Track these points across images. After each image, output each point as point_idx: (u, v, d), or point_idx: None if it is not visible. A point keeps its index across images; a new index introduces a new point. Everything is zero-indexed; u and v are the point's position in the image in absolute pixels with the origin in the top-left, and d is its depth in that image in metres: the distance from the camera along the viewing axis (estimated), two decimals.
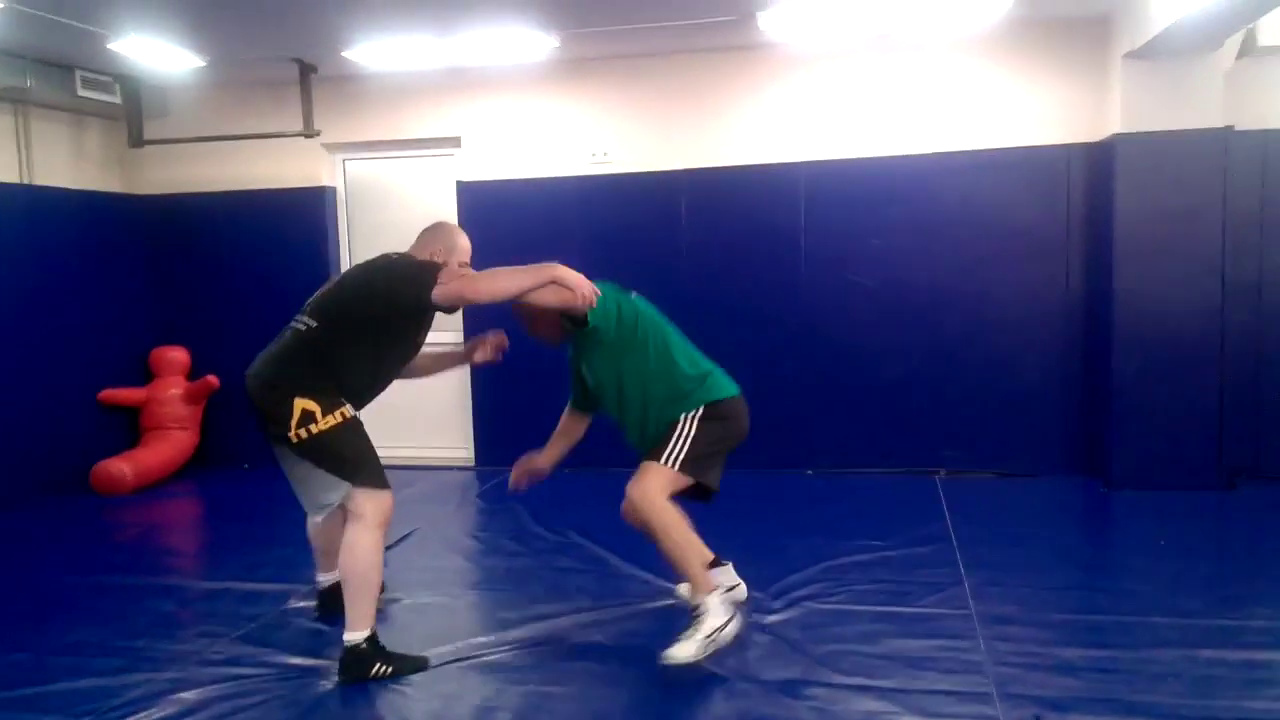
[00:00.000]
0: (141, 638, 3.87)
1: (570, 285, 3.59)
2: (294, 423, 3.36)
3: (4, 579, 4.76)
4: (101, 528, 5.85)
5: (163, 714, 3.19)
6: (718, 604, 3.43)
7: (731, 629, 3.42)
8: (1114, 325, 5.61)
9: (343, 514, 3.57)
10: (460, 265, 3.82)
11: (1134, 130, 5.50)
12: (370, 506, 3.49)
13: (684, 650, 3.31)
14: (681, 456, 3.58)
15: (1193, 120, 5.44)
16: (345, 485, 3.47)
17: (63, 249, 6.53)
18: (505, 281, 3.51)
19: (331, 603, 3.86)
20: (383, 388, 3.83)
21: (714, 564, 3.86)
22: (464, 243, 3.99)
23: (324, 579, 4.00)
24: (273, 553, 4.96)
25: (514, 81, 6.54)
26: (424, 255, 3.81)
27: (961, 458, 6.18)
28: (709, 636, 3.35)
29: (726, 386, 3.77)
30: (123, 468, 6.36)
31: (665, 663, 3.29)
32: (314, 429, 3.38)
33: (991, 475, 6.10)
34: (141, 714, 3.20)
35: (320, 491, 3.54)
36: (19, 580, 4.73)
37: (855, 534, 4.93)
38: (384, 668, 3.43)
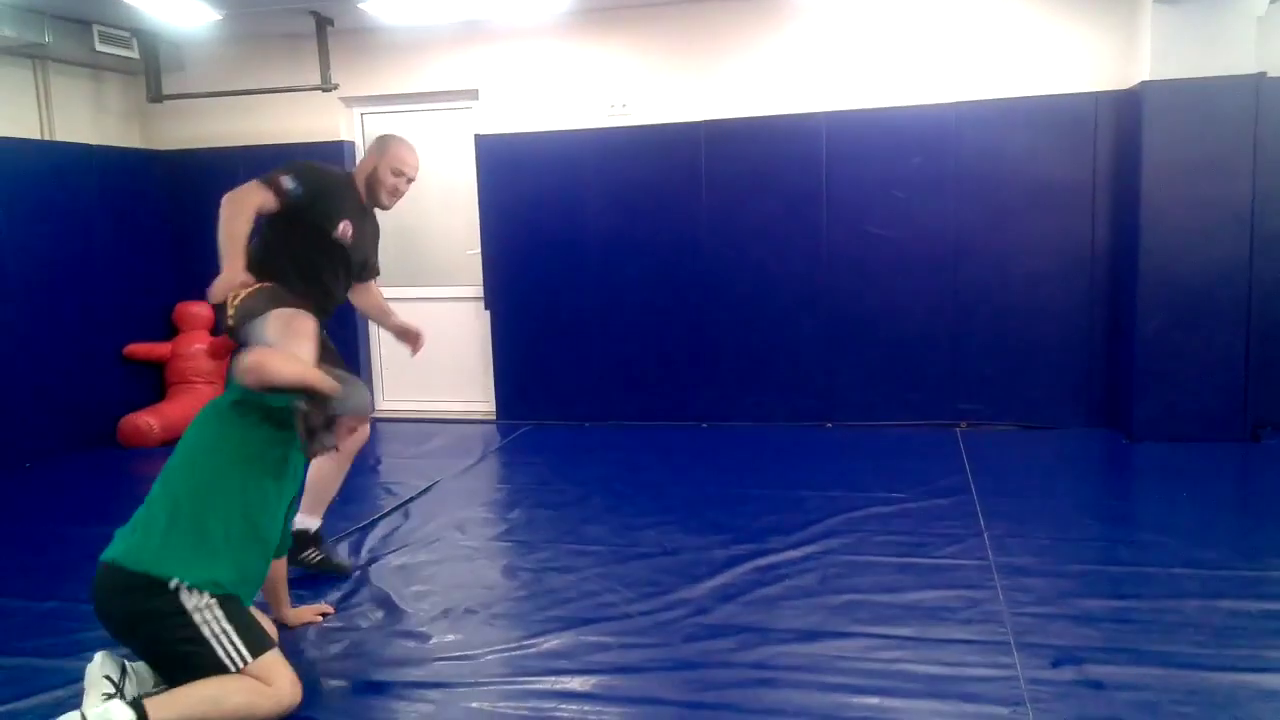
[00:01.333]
0: None
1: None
2: None
3: (36, 530, 4.86)
4: (129, 480, 5.94)
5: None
6: None
7: None
8: (1139, 276, 5.54)
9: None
10: (394, 176, 3.83)
11: (1163, 77, 5.39)
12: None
13: None
14: None
15: (1224, 67, 5.32)
16: None
17: (85, 204, 6.56)
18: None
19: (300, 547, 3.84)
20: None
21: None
22: (397, 152, 3.85)
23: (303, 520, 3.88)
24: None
25: (532, 32, 6.48)
26: (361, 170, 3.88)
27: (983, 410, 6.16)
28: None
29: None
30: (150, 421, 6.44)
31: None
32: None
33: (1013, 427, 6.08)
34: None
35: None
36: (51, 531, 4.82)
37: (874, 486, 4.94)
38: (316, 554, 3.88)
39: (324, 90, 6.58)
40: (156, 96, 6.84)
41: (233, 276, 3.39)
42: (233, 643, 2.80)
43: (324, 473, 3.93)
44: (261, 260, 3.58)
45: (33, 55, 6.25)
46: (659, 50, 6.38)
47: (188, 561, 2.81)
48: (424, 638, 3.45)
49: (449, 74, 6.72)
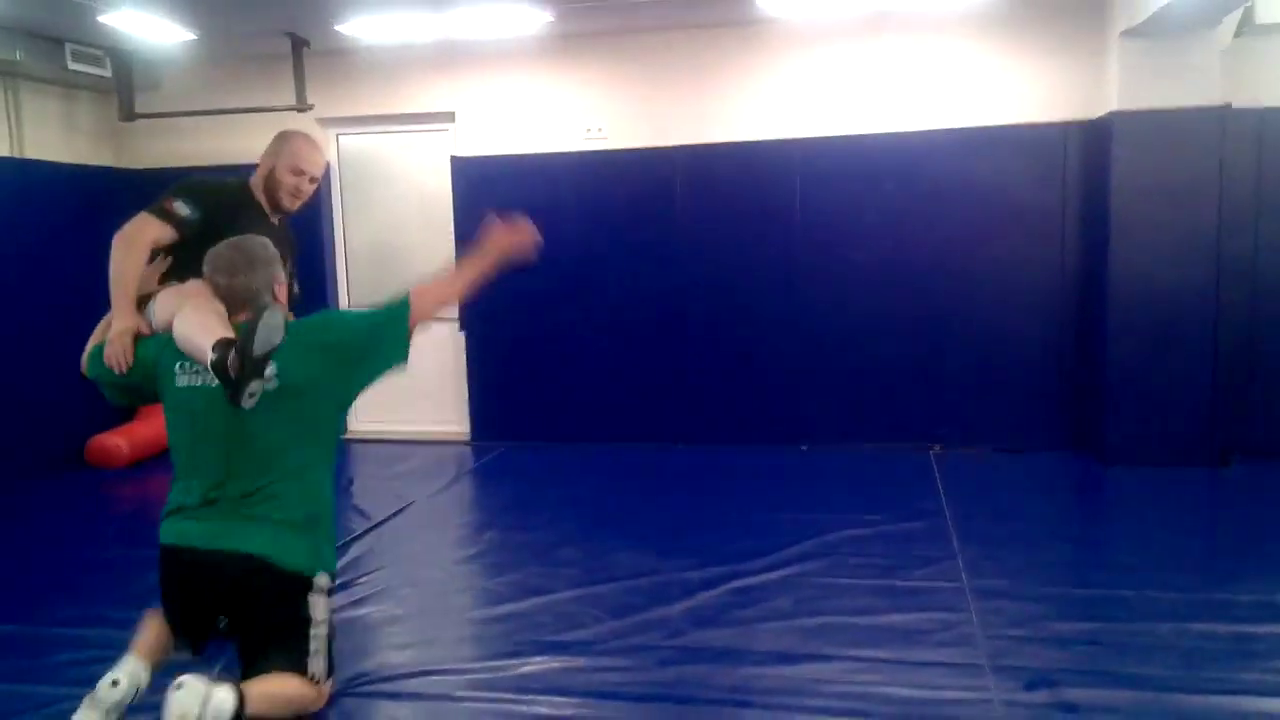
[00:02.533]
0: (139, 608, 3.87)
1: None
2: None
3: (4, 552, 4.76)
4: (98, 501, 5.86)
5: (162, 683, 3.18)
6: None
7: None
8: (1109, 302, 5.62)
9: None
10: (294, 175, 3.38)
11: (1131, 108, 5.49)
12: None
13: None
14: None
15: (1190, 98, 5.42)
16: None
17: (55, 223, 6.49)
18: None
19: None
20: None
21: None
22: (295, 149, 3.41)
23: None
24: None
25: (508, 57, 6.51)
26: (259, 174, 3.46)
27: (956, 433, 6.20)
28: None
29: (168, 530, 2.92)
30: (118, 442, 6.35)
31: None
32: None
33: (986, 451, 6.12)
34: None
35: None
36: (17, 554, 4.74)
37: (849, 508, 4.95)
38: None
39: (299, 111, 6.56)
40: (129, 115, 6.79)
41: (124, 325, 3.05)
42: (329, 658, 2.88)
43: None
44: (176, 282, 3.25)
45: (3, 73, 6.20)
46: (635, 76, 6.42)
47: (328, 560, 2.96)
48: (395, 660, 3.40)
49: (425, 96, 6.73)
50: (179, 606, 2.91)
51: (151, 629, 2.97)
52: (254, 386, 2.74)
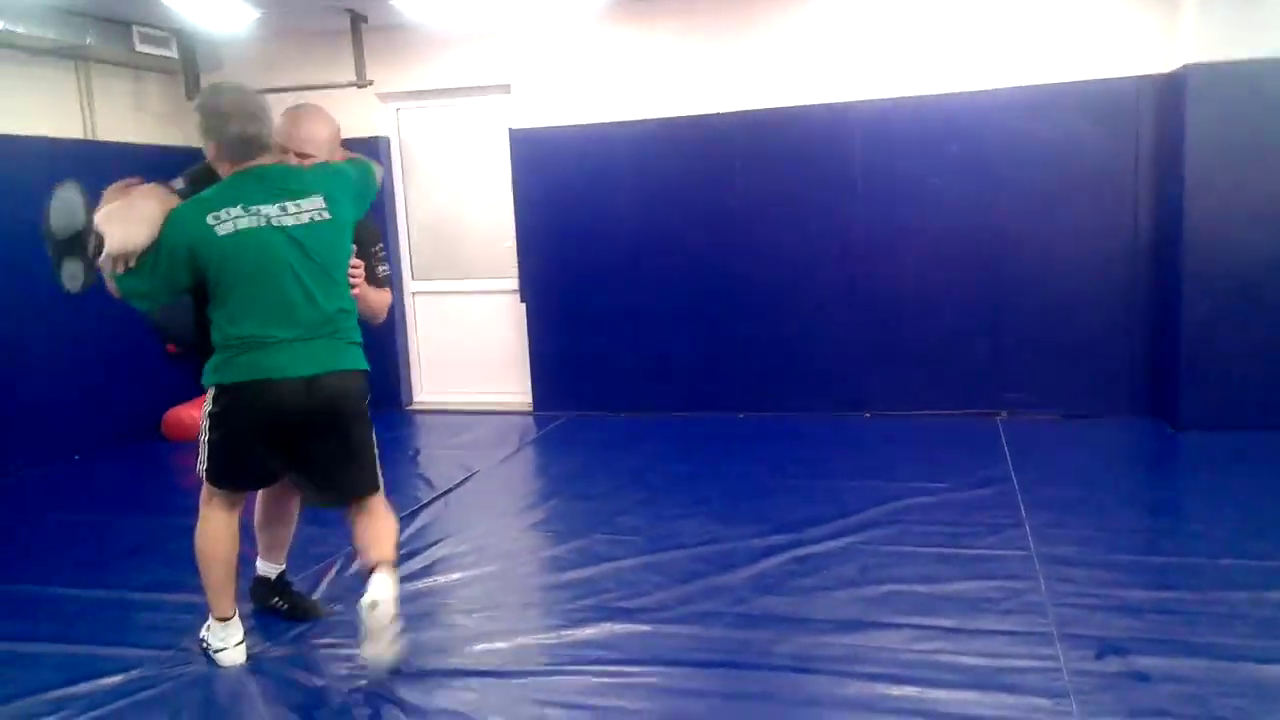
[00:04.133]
0: None
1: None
2: None
3: (84, 520, 4.94)
4: (173, 472, 6.05)
5: (236, 642, 3.30)
6: (217, 630, 3.24)
7: (224, 660, 3.22)
8: (1183, 264, 5.45)
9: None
10: (298, 157, 3.29)
11: (1207, 60, 5.29)
12: None
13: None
14: (204, 463, 3.15)
15: (1270, 49, 5.20)
16: None
17: None
18: None
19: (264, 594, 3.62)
20: None
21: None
22: (293, 134, 3.34)
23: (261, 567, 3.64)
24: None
25: (563, 26, 6.48)
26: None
27: (1024, 399, 6.08)
28: (205, 643, 3.28)
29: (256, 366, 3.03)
30: (193, 414, 6.52)
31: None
32: None
33: (1055, 417, 6.00)
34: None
35: None
36: (98, 521, 4.91)
37: (914, 476, 4.90)
38: (282, 602, 3.59)
39: (359, 87, 6.63)
40: (195, 95, 6.91)
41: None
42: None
43: (268, 515, 3.53)
44: None
45: (75, 57, 6.35)
46: (691, 42, 6.35)
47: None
48: (463, 626, 3.47)
49: (482, 68, 6.74)
50: (265, 444, 3.09)
51: (276, 525, 3.47)
52: (71, 268, 2.88)
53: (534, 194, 6.73)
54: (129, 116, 6.89)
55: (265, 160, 3.09)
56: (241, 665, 3.25)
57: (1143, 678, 2.89)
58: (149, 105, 7.07)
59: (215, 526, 3.20)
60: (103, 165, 6.50)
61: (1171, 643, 3.08)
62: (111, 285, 3.08)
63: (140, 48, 6.32)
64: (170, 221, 3.00)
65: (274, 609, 3.59)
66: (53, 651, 3.39)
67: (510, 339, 7.05)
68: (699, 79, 6.36)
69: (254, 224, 2.98)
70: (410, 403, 7.30)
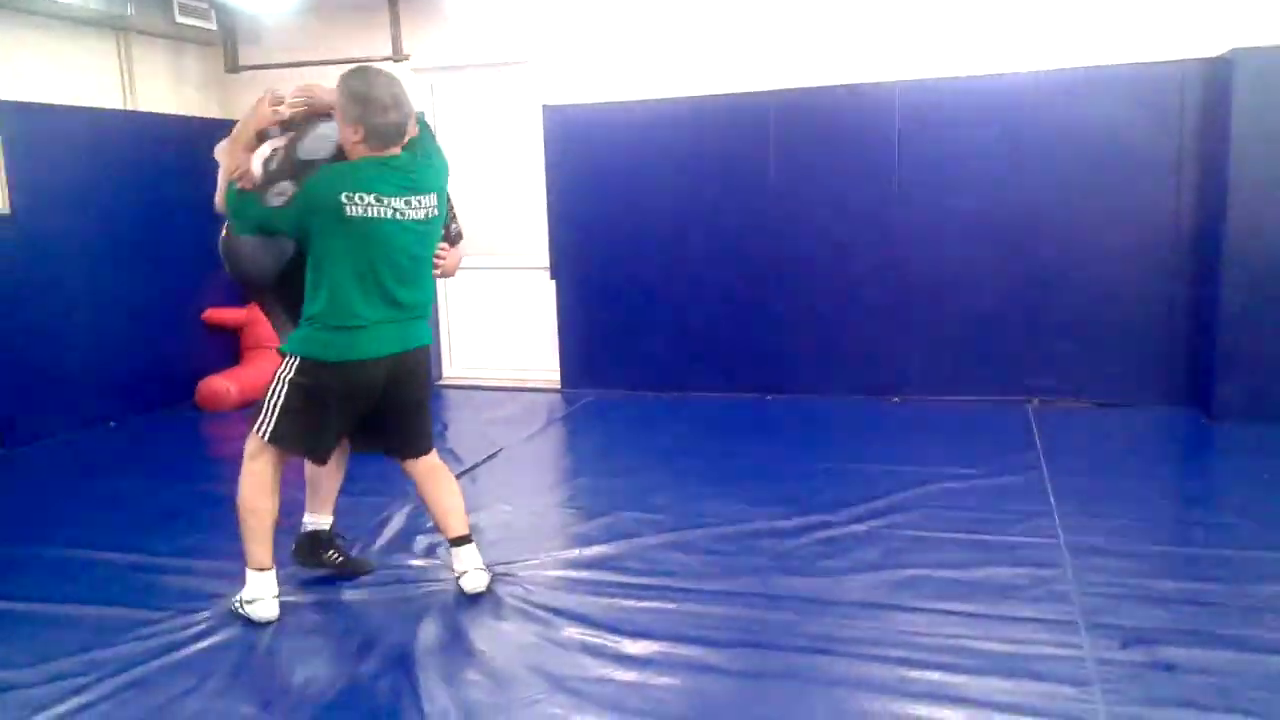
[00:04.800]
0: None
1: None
2: None
3: (118, 486, 5.03)
4: (206, 441, 6.14)
5: (273, 595, 3.37)
6: (255, 581, 3.34)
7: (259, 612, 3.32)
8: (1224, 253, 5.35)
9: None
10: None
11: (1255, 44, 5.17)
12: None
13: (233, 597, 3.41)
14: (271, 426, 3.25)
15: None
16: None
17: (166, 172, 6.72)
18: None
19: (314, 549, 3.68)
20: None
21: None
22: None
23: (309, 520, 3.72)
24: (369, 466, 5.13)
25: (601, 1, 6.45)
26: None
27: (1056, 386, 6.02)
28: (239, 600, 3.37)
29: (354, 346, 3.22)
30: (227, 384, 6.62)
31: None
32: None
33: (1087, 405, 5.94)
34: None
35: None
36: (132, 487, 4.99)
37: (943, 461, 4.87)
38: (336, 555, 3.69)
39: (395, 60, 6.65)
40: (234, 67, 6.97)
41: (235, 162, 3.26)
42: None
43: (318, 469, 3.59)
44: None
45: (115, 27, 6.42)
46: (728, 18, 6.30)
47: None
48: (488, 595, 3.50)
49: (517, 42, 6.73)
50: (347, 415, 3.32)
51: (325, 479, 3.61)
52: (284, 186, 3.09)
53: (566, 171, 6.72)
54: (168, 87, 6.96)
55: (396, 150, 3.21)
56: (274, 618, 3.32)
57: (1168, 668, 2.87)
58: (188, 77, 7.14)
59: (262, 479, 3.31)
60: (142, 136, 6.60)
61: (1198, 634, 3.05)
62: (221, 195, 3.23)
63: (180, 19, 6.38)
64: (310, 183, 3.13)
65: (326, 563, 3.66)
66: (86, 614, 3.46)
67: (540, 317, 7.07)
68: (735, 56, 6.31)
69: (382, 215, 3.14)
70: (440, 378, 7.35)
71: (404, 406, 3.43)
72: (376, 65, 3.50)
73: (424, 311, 3.40)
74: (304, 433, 3.28)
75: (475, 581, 3.50)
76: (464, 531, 3.54)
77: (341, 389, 3.24)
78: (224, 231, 3.35)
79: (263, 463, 3.31)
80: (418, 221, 3.23)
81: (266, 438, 3.26)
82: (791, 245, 6.35)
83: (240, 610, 3.36)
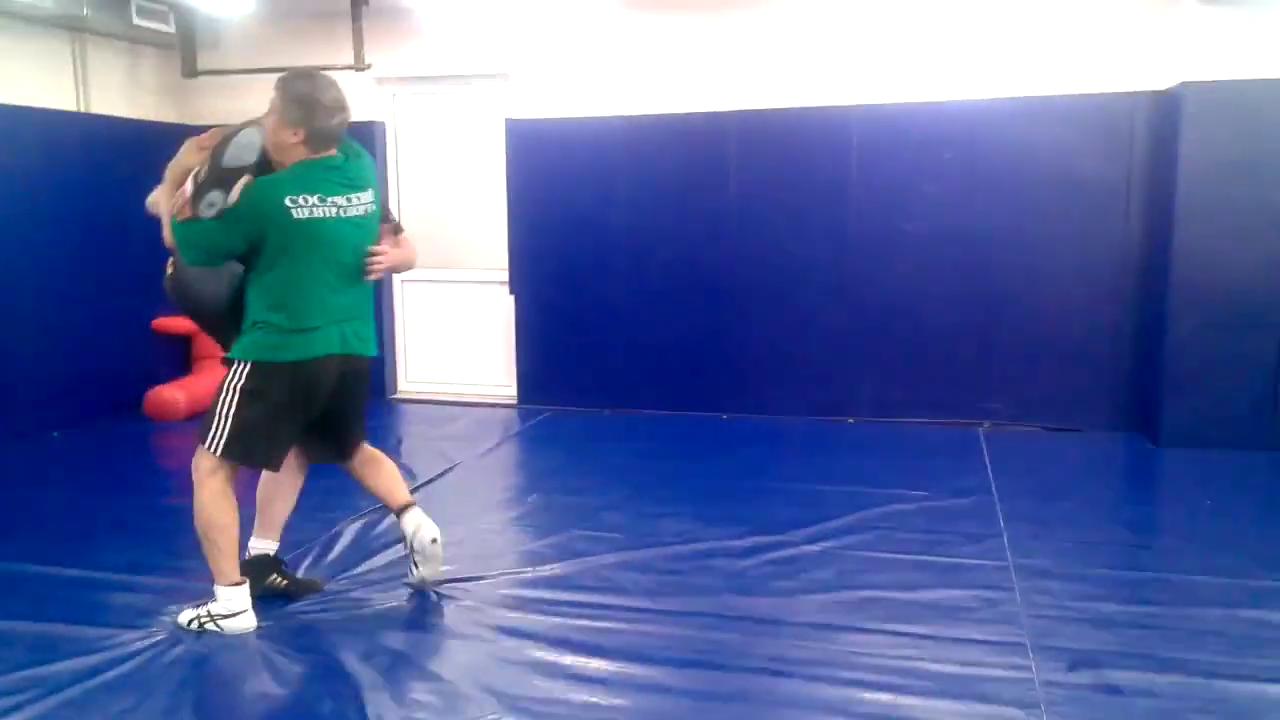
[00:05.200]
0: (192, 558, 3.99)
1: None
2: None
3: (62, 498, 4.91)
4: (155, 452, 6.02)
5: (246, 608, 3.32)
6: (230, 596, 3.29)
7: (240, 625, 3.29)
8: (1171, 280, 5.47)
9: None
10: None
11: (1203, 79, 5.31)
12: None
13: (183, 615, 3.35)
14: (223, 438, 3.22)
15: (1267, 68, 5.23)
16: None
17: (119, 177, 6.58)
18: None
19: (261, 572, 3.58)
20: None
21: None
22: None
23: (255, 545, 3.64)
24: (317, 481, 5.05)
25: (565, 16, 6.47)
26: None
27: (1007, 410, 6.11)
28: (208, 615, 3.30)
29: (315, 343, 3.24)
30: (176, 394, 6.50)
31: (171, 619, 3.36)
32: None
33: (1037, 429, 6.03)
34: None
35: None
36: (76, 499, 4.88)
37: (895, 483, 4.91)
38: (280, 579, 3.61)
39: (357, 70, 6.60)
40: (192, 72, 6.88)
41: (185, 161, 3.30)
42: None
43: (271, 492, 3.59)
44: None
45: (71, 27, 6.30)
46: (690, 38, 6.34)
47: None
48: (438, 614, 3.46)
49: (481, 56, 6.72)
50: (299, 416, 3.31)
51: (277, 502, 3.58)
52: (213, 196, 3.09)
53: (528, 186, 6.71)
54: (123, 91, 6.85)
55: (333, 150, 3.25)
56: (253, 630, 3.29)
57: (1114, 691, 2.90)
58: (144, 80, 7.03)
59: (220, 496, 3.27)
60: (94, 139, 6.48)
61: (1144, 657, 3.09)
62: (168, 233, 3.23)
63: (138, 21, 6.28)
64: (251, 191, 3.11)
65: (272, 587, 3.56)
66: (25, 630, 3.36)
67: (497, 331, 7.03)
68: (698, 76, 6.35)
69: (327, 214, 3.18)
70: (394, 392, 7.28)
71: (349, 410, 3.48)
72: (333, 74, 3.52)
73: (368, 309, 3.44)
74: (257, 442, 3.26)
75: (431, 529, 3.55)
76: (410, 499, 3.63)
77: (293, 391, 3.23)
78: (169, 269, 3.37)
79: (219, 478, 3.26)
80: (359, 217, 3.28)
81: (219, 452, 3.21)
82: (749, 265, 6.39)
83: (210, 626, 3.28)
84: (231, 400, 3.20)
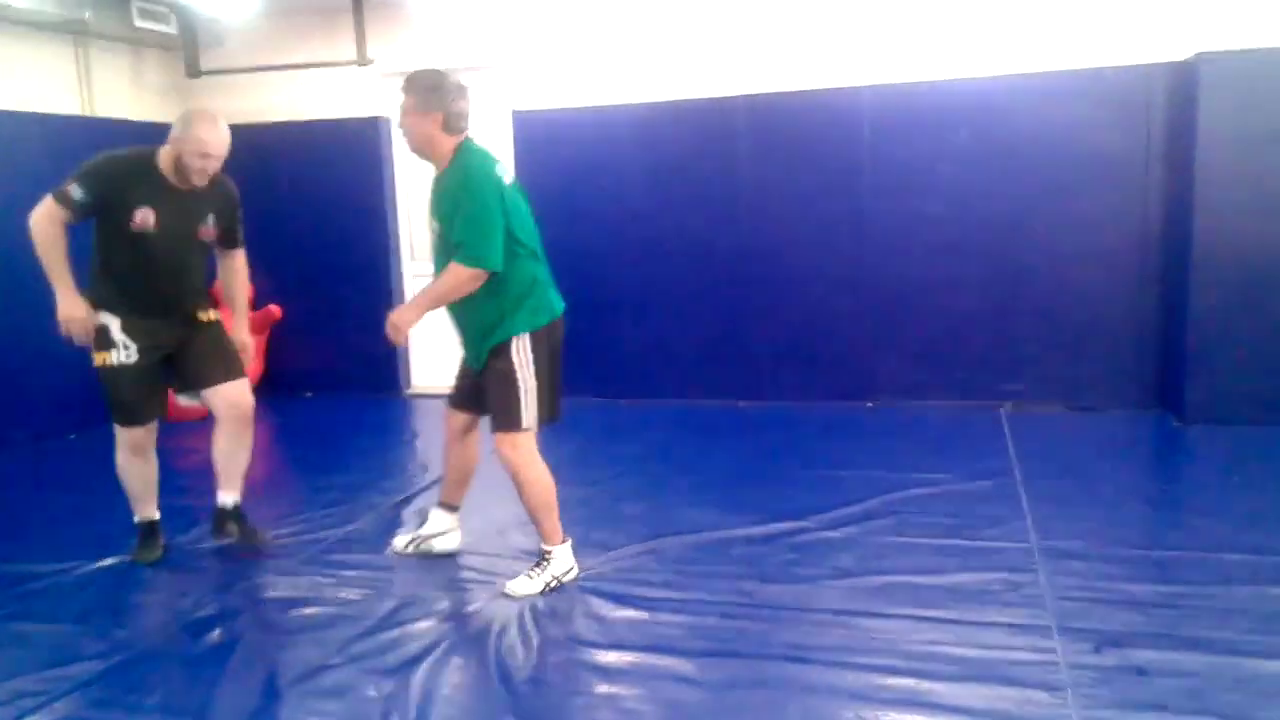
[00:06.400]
0: (208, 556, 4.00)
1: None
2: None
3: (80, 499, 4.92)
4: (172, 453, 6.00)
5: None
6: (565, 552, 3.64)
7: (571, 578, 3.63)
8: (1193, 255, 5.38)
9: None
10: (200, 159, 3.60)
11: (1219, 49, 5.21)
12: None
13: (525, 586, 3.53)
14: (533, 411, 3.54)
15: None
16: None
17: None
18: None
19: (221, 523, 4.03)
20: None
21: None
22: (196, 135, 3.57)
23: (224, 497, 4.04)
24: (334, 478, 5.05)
25: (569, 6, 6.42)
26: (167, 154, 3.70)
27: (1028, 390, 6.03)
28: (554, 579, 3.58)
29: (556, 302, 3.72)
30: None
31: (505, 592, 3.53)
32: None
33: (1059, 409, 5.95)
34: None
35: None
36: (93, 500, 4.87)
37: (915, 466, 4.86)
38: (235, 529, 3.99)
39: (360, 65, 6.58)
40: (195, 72, 6.87)
41: (69, 309, 3.72)
42: None
43: (225, 448, 3.99)
44: (98, 261, 3.79)
45: (73, 32, 6.29)
46: (697, 22, 6.28)
47: None
48: (461, 605, 3.43)
49: (484, 48, 6.68)
50: (549, 367, 3.54)
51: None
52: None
53: (535, 177, 6.64)
54: (127, 93, 6.84)
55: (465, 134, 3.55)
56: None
57: (1141, 672, 2.85)
58: (147, 82, 7.02)
59: (542, 465, 3.57)
60: (99, 142, 6.44)
61: (1171, 637, 3.04)
62: (471, 268, 3.37)
63: (139, 23, 6.28)
64: (480, 171, 3.40)
65: (228, 533, 4.00)
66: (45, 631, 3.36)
67: None
68: (705, 61, 6.29)
69: (510, 181, 3.51)
70: (409, 387, 7.27)
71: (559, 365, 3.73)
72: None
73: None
74: (545, 401, 3.54)
75: (453, 544, 3.94)
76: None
77: (549, 348, 3.59)
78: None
79: (534, 450, 3.57)
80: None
81: (531, 425, 3.51)
82: (763, 251, 6.34)
83: (554, 586, 3.56)
84: (528, 374, 3.44)
